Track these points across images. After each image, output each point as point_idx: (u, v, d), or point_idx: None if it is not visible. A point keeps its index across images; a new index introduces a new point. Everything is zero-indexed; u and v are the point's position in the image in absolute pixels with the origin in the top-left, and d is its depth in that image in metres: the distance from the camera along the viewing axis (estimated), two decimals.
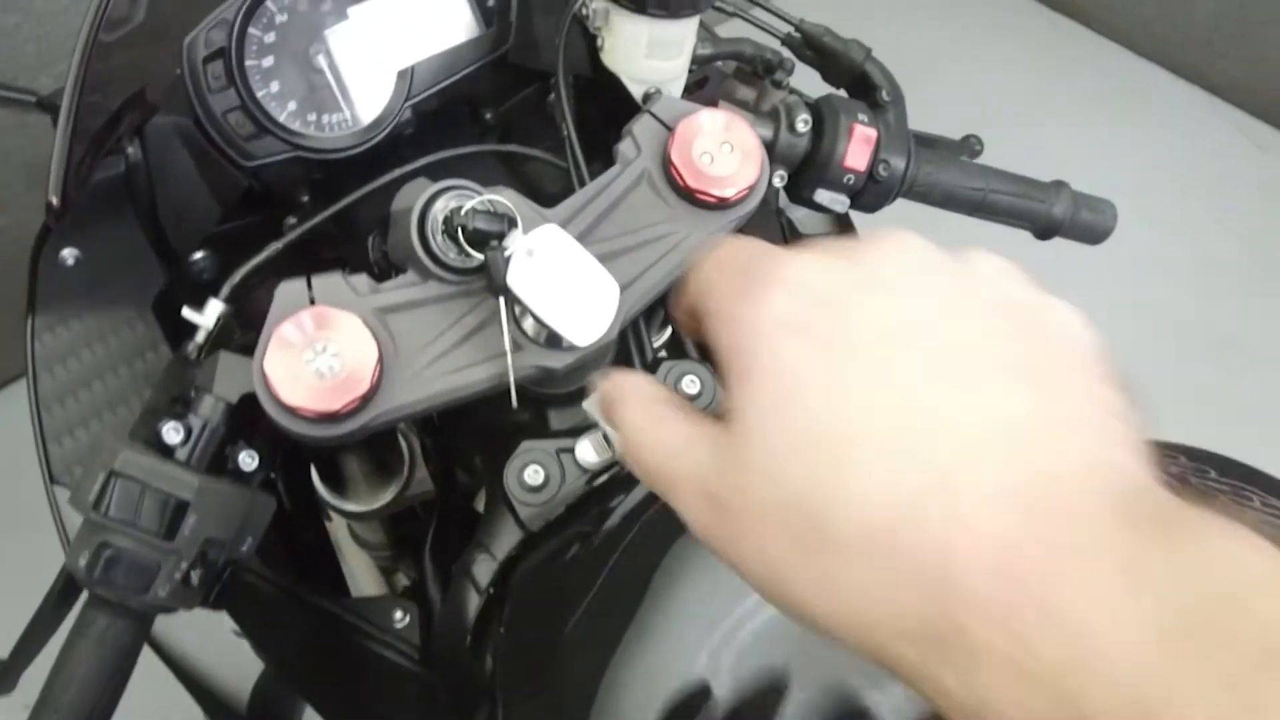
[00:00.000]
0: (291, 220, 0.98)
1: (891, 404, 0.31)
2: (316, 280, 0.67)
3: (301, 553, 1.09)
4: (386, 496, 0.97)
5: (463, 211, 0.67)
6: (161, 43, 0.85)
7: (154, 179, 0.87)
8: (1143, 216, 2.71)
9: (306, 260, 0.83)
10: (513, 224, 0.67)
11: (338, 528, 1.14)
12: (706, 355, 0.78)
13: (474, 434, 0.92)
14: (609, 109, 0.90)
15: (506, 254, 0.63)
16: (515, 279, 0.61)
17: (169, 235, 0.91)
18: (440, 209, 0.70)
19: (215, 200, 0.90)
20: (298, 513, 1.05)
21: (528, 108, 1.08)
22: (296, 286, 0.66)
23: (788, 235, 1.04)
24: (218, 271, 0.96)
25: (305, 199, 0.96)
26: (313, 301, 0.65)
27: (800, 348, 0.33)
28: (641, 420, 0.39)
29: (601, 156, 1.05)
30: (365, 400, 0.63)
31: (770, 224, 1.03)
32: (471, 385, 0.68)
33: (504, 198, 0.69)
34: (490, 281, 0.64)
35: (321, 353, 0.61)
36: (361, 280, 0.68)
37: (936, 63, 3.18)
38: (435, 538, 0.94)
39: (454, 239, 0.68)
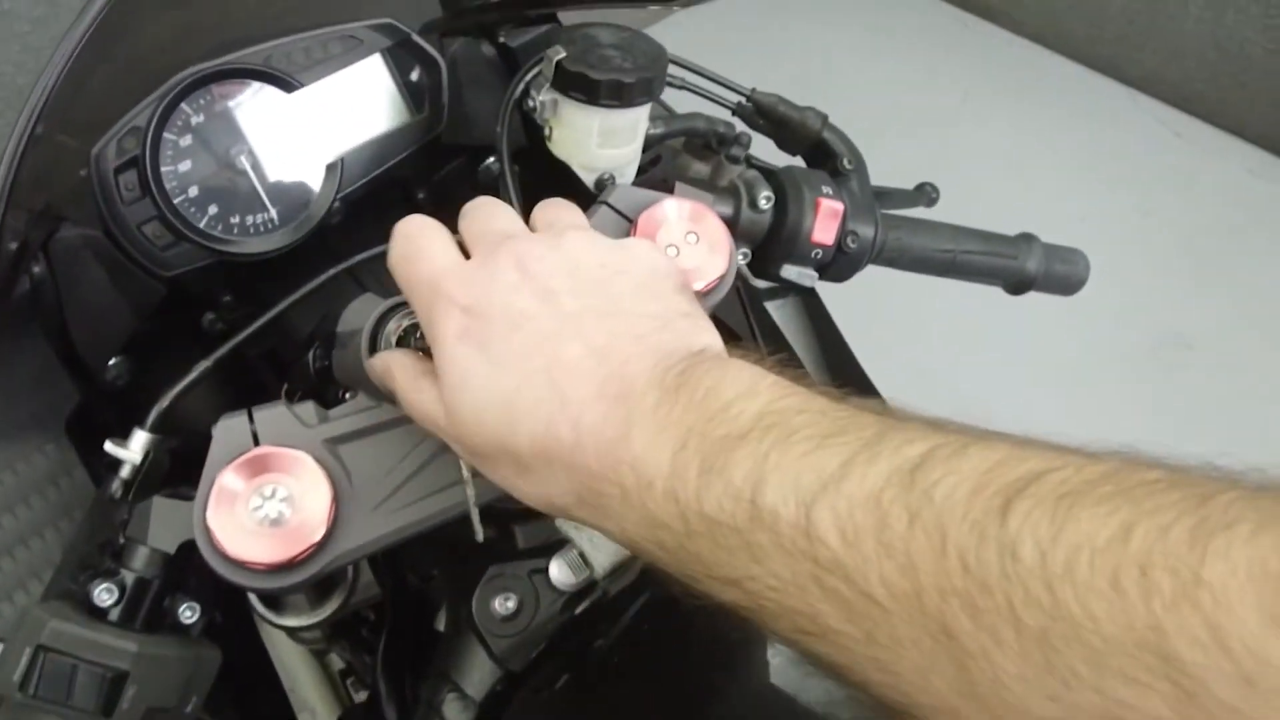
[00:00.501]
0: (211, 316, 0.91)
1: (520, 370, 0.44)
2: (259, 413, 0.60)
3: (235, 668, 1.02)
4: (329, 609, 0.90)
5: (419, 334, 0.61)
6: (62, 150, 0.78)
7: (63, 294, 0.80)
8: (1070, 214, 2.73)
9: (235, 363, 0.78)
10: None
11: (275, 638, 1.07)
12: None
13: (431, 546, 0.86)
14: (547, 175, 0.85)
15: None
16: None
17: (81, 350, 0.83)
18: (392, 329, 0.64)
19: (131, 310, 0.83)
20: (230, 625, 0.98)
21: (460, 177, 1.02)
22: (237, 424, 0.60)
23: (747, 305, 0.99)
24: (134, 376, 0.89)
25: (227, 298, 0.90)
26: (256, 439, 0.59)
27: (466, 349, 0.46)
28: (404, 387, 0.52)
29: None
30: (320, 545, 0.57)
31: (730, 297, 0.99)
32: (434, 517, 0.61)
33: None
34: None
35: (269, 498, 0.56)
36: (308, 409, 0.62)
37: (845, 67, 3.18)
38: (386, 653, 0.88)
39: None
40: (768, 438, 0.38)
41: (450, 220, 1.00)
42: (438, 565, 0.83)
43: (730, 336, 0.97)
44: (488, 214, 0.53)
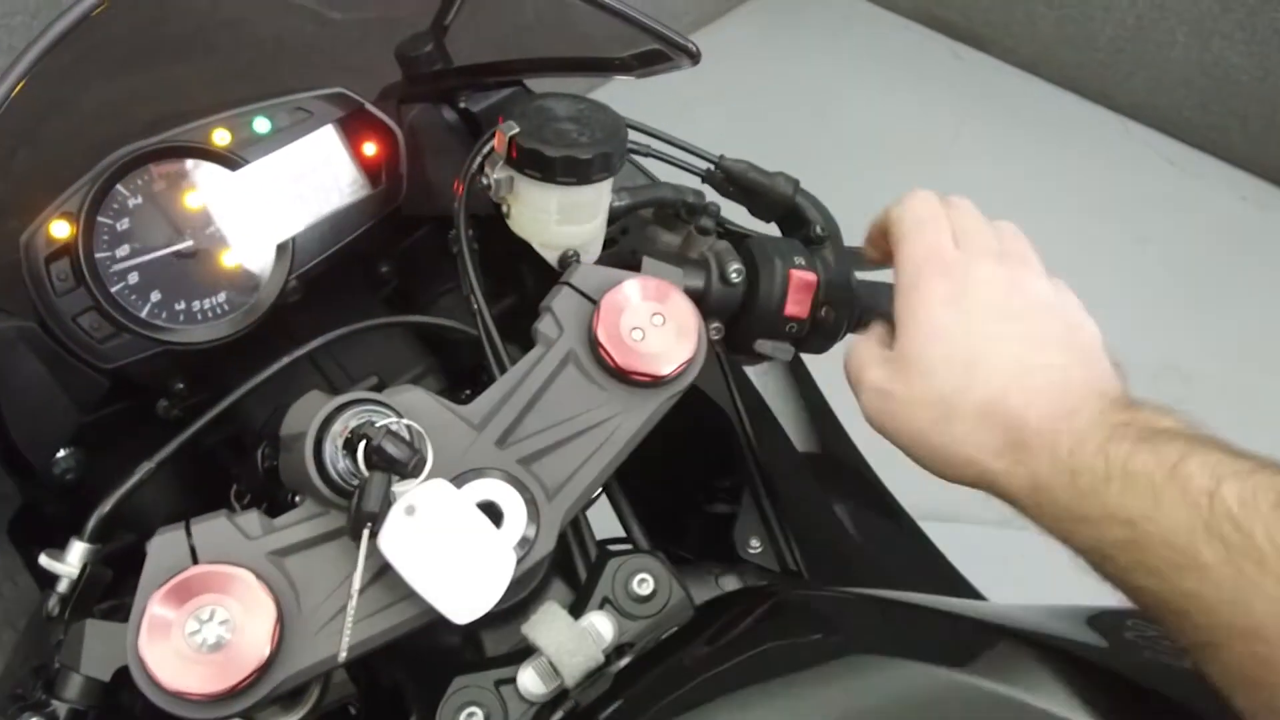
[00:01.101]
0: (164, 403, 0.87)
1: (991, 346, 0.58)
2: (197, 526, 0.57)
3: None
4: (298, 714, 0.86)
5: (373, 438, 0.57)
6: None
7: None
8: (1064, 243, 2.68)
9: (195, 449, 0.75)
10: (421, 463, 0.58)
11: None
12: None
13: (396, 652, 0.82)
14: (515, 241, 0.81)
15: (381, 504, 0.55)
16: (388, 542, 0.54)
17: (20, 447, 0.79)
18: (338, 430, 0.60)
19: (73, 404, 0.79)
20: None
21: (426, 246, 0.98)
22: (174, 539, 0.56)
23: (728, 372, 0.95)
24: (85, 469, 0.84)
25: (180, 385, 0.85)
26: (195, 556, 0.56)
27: (948, 315, 0.60)
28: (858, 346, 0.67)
29: (513, 289, 0.96)
30: (263, 670, 0.53)
31: (711, 365, 0.95)
32: (386, 634, 0.59)
33: (415, 403, 0.61)
34: (350, 526, 0.56)
35: (207, 621, 0.53)
36: (251, 520, 0.58)
37: (841, 97, 3.15)
38: None
39: (354, 460, 0.58)
40: (1198, 440, 0.50)
41: (425, 287, 0.96)
42: (405, 671, 0.78)
43: (710, 405, 0.93)
44: (975, 217, 0.68)
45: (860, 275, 0.82)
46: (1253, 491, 0.46)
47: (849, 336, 0.82)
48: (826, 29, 3.42)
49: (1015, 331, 0.59)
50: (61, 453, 0.82)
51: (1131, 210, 2.85)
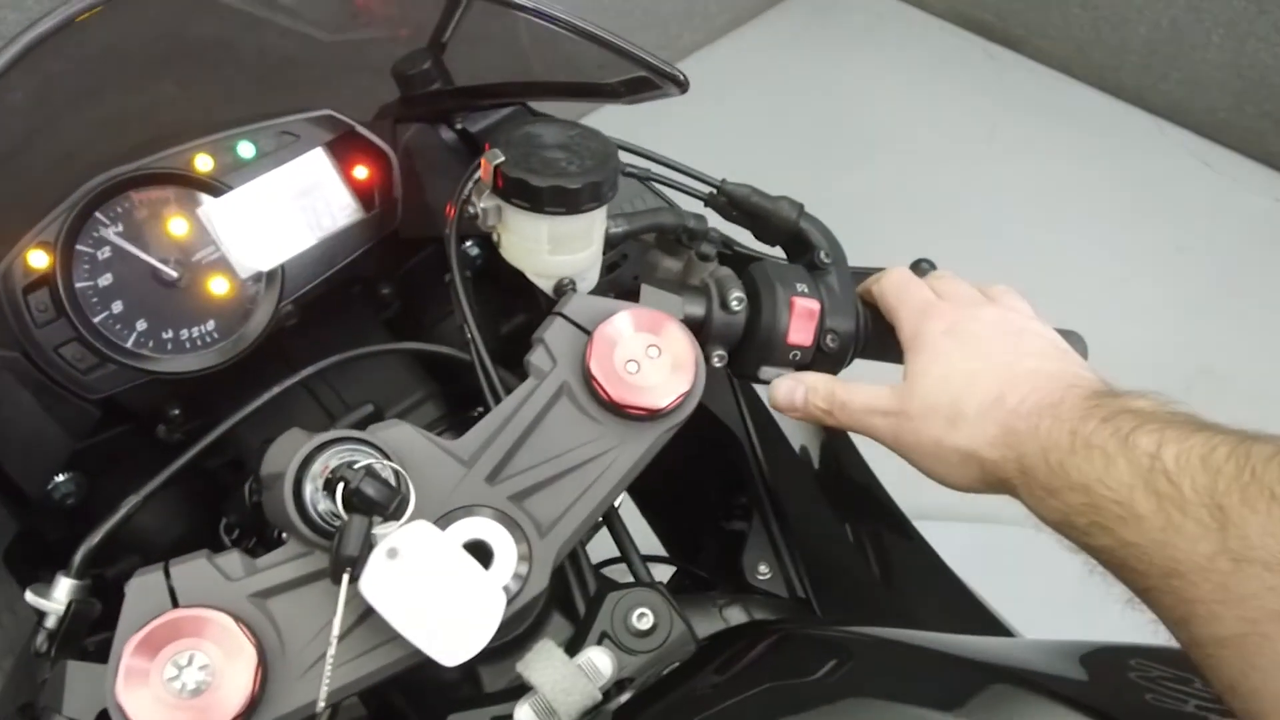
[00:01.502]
0: (163, 428, 0.85)
1: (987, 360, 0.66)
2: (176, 569, 0.56)
3: None
4: None
5: (350, 480, 0.55)
6: None
7: None
8: (1097, 244, 2.65)
9: (194, 471, 0.73)
10: (403, 504, 0.57)
11: None
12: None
13: (396, 683, 0.80)
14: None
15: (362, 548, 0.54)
16: (370, 586, 0.53)
17: (15, 475, 0.77)
18: (318, 470, 0.58)
19: (65, 431, 0.77)
20: None
21: (429, 268, 0.96)
22: (152, 582, 0.55)
23: (738, 392, 0.92)
24: (88, 492, 0.83)
25: (175, 412, 0.84)
26: (174, 599, 0.55)
27: (949, 342, 0.68)
28: (832, 386, 0.73)
29: (522, 307, 0.94)
30: (244, 716, 0.52)
31: (721, 385, 0.93)
32: (373, 675, 0.57)
33: (400, 440, 0.60)
34: (331, 570, 0.55)
35: (187, 666, 0.52)
36: (233, 560, 0.57)
37: (874, 98, 3.12)
38: None
39: (335, 501, 0.57)
40: (1161, 415, 0.56)
41: (428, 309, 0.94)
42: (405, 701, 0.77)
43: (722, 429, 0.91)
44: (957, 283, 0.76)
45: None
46: (1188, 450, 0.52)
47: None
48: (859, 29, 3.40)
49: (1006, 347, 0.68)
50: (60, 478, 0.81)
51: (1165, 212, 2.81)
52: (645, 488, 0.65)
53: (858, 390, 0.71)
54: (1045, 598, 1.21)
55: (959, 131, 3.05)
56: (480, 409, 0.90)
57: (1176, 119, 3.07)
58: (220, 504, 0.86)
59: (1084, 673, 0.58)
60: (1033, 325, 0.71)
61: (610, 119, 2.31)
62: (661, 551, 1.06)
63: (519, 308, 0.94)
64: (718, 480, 0.97)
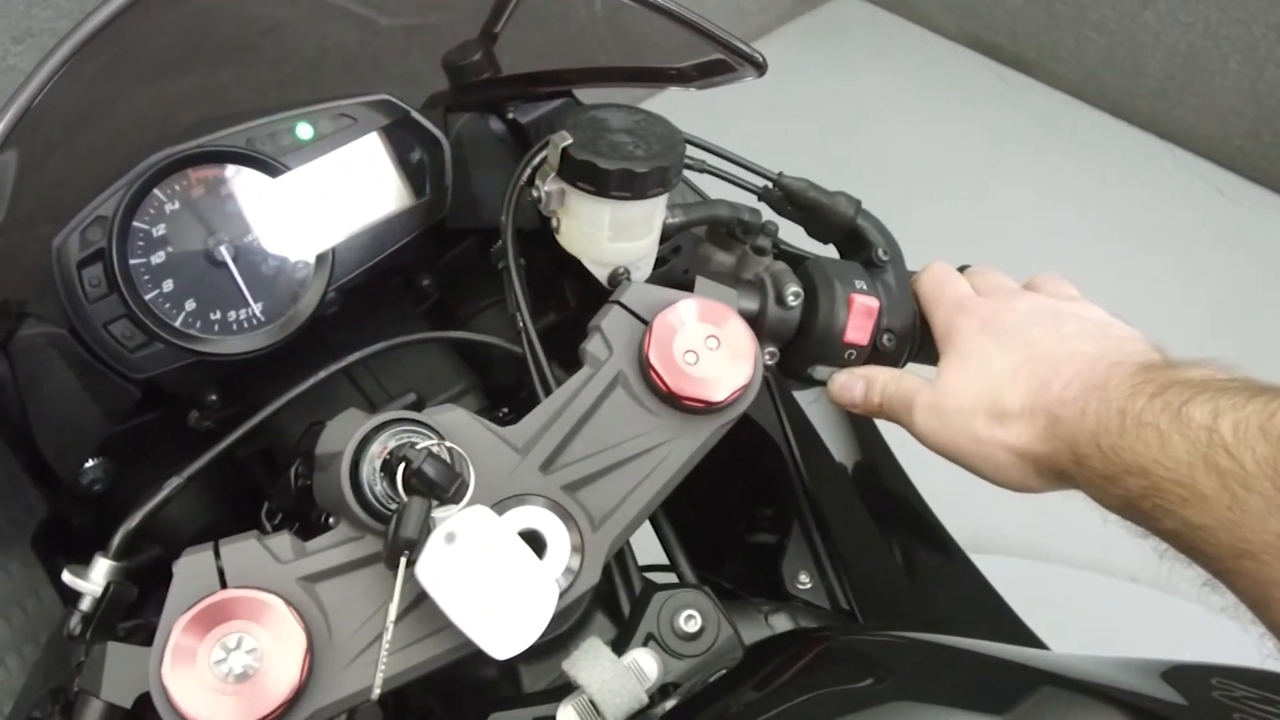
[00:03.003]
0: (195, 414, 0.84)
1: (1028, 349, 0.64)
2: (226, 548, 0.55)
3: None
4: None
5: (413, 461, 0.54)
6: (22, 240, 0.71)
7: (26, 399, 0.73)
8: (1107, 272, 2.63)
9: (227, 462, 0.74)
10: (463, 487, 0.56)
11: None
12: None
13: (429, 681, 0.79)
14: (560, 257, 0.78)
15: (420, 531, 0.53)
16: (426, 571, 0.52)
17: (47, 457, 0.76)
18: (376, 452, 0.57)
19: (103, 413, 0.76)
20: None
21: (469, 260, 0.95)
22: (201, 561, 0.54)
23: (778, 400, 0.91)
24: (115, 480, 0.82)
25: (213, 397, 0.83)
26: (223, 579, 0.54)
27: (984, 338, 0.66)
28: (888, 376, 0.71)
29: (553, 306, 0.93)
30: (291, 703, 0.51)
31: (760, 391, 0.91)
32: (420, 667, 0.56)
33: (456, 423, 0.59)
34: (387, 553, 0.53)
35: (234, 649, 0.51)
36: (283, 542, 0.56)
37: (884, 120, 3.11)
38: None
39: (393, 482, 0.56)
40: (1215, 383, 0.54)
41: (467, 301, 0.93)
42: (438, 701, 0.75)
43: (760, 434, 0.90)
44: (994, 275, 0.75)
45: None
46: (1246, 418, 0.50)
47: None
48: (870, 49, 3.40)
49: (1046, 334, 0.65)
50: (90, 463, 0.80)
51: (1178, 241, 2.80)
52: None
53: (913, 385, 0.69)
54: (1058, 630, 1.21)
55: (969, 154, 3.04)
56: (505, 410, 0.90)
57: (1191, 146, 3.05)
58: (254, 493, 0.85)
59: (1166, 689, 0.54)
60: (1071, 306, 0.69)
61: None
62: (663, 559, 1.05)
63: (549, 309, 0.93)
64: (747, 489, 0.96)
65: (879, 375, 0.72)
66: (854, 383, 0.73)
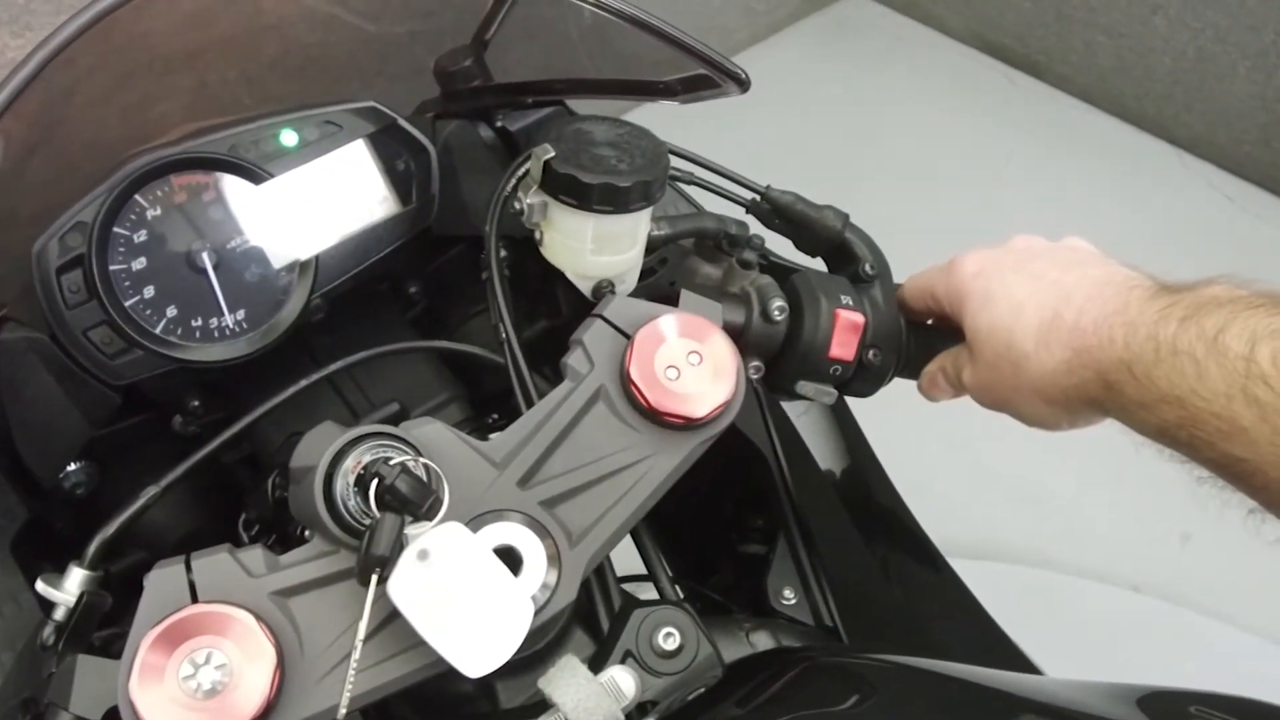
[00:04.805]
0: (179, 419, 0.84)
1: (1029, 285, 0.64)
2: (198, 562, 0.55)
3: None
4: None
5: (386, 477, 0.54)
6: (3, 242, 0.71)
7: (6, 403, 0.73)
8: None
9: (210, 467, 0.72)
10: (436, 504, 0.55)
11: None
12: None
13: (406, 695, 0.79)
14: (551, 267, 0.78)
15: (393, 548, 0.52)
16: (398, 589, 0.52)
17: (30, 461, 0.76)
18: (350, 466, 0.57)
19: (83, 419, 0.76)
20: None
21: (457, 267, 0.95)
22: (172, 575, 0.54)
23: (766, 411, 0.91)
24: (99, 483, 0.82)
25: (195, 403, 0.82)
26: (194, 593, 0.53)
27: (980, 283, 0.67)
28: (951, 368, 0.73)
29: (544, 313, 0.92)
30: (261, 718, 0.51)
31: (749, 401, 0.91)
32: (392, 684, 0.56)
33: (433, 438, 0.59)
34: (359, 570, 0.53)
35: (203, 664, 0.50)
36: (255, 556, 0.56)
37: (892, 122, 3.10)
38: None
39: (366, 498, 0.55)
40: (1242, 302, 0.53)
41: (455, 309, 0.93)
42: (416, 717, 0.75)
43: (747, 446, 0.90)
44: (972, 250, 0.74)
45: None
46: None
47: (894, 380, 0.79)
48: (878, 51, 3.38)
49: (1047, 266, 0.65)
50: (72, 466, 0.80)
51: (1186, 246, 2.78)
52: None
53: (964, 356, 0.71)
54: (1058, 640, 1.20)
55: (977, 156, 3.02)
56: (495, 416, 0.89)
57: (1200, 152, 3.04)
58: (241, 498, 0.85)
59: (1142, 717, 0.55)
60: (1075, 242, 0.70)
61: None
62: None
63: (541, 315, 0.92)
64: (737, 499, 0.95)
65: (937, 364, 0.74)
66: (935, 380, 0.75)
